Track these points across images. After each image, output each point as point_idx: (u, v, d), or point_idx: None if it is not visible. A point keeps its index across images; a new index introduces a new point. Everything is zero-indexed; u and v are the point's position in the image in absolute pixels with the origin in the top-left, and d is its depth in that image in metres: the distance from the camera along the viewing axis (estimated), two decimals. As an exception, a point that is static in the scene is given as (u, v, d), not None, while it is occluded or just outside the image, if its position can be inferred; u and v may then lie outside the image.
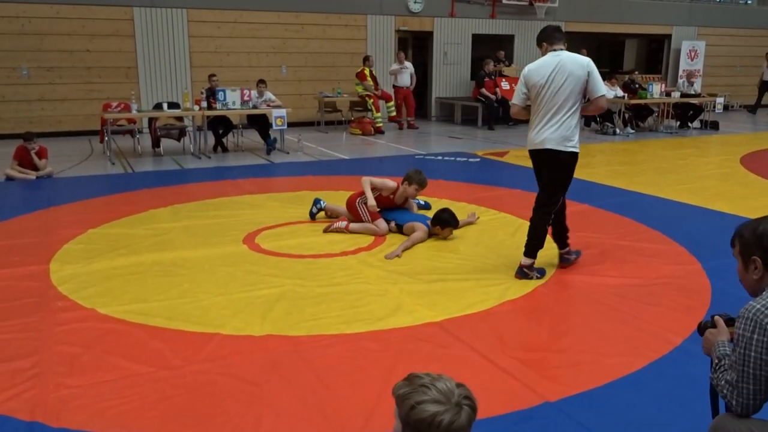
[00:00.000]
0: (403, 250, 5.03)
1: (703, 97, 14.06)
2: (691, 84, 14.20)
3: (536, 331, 3.62)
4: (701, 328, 2.19)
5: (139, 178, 8.26)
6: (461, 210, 6.05)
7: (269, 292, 4.18)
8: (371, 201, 5.52)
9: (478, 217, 5.95)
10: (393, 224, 5.53)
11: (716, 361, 2.04)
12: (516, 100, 4.45)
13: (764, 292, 1.93)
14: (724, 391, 1.94)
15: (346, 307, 3.94)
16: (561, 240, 4.69)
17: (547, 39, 4.39)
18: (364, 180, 5.66)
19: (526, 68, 4.41)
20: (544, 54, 4.41)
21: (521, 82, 4.42)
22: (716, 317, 2.16)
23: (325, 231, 5.60)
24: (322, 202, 6.10)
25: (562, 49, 4.37)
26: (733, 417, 1.93)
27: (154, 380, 3.05)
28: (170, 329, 3.62)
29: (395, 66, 13.45)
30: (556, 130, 4.27)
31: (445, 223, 5.35)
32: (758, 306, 1.86)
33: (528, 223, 4.54)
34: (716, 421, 2.01)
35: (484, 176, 8.23)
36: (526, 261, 4.48)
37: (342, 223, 5.61)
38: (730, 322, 2.13)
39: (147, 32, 12.39)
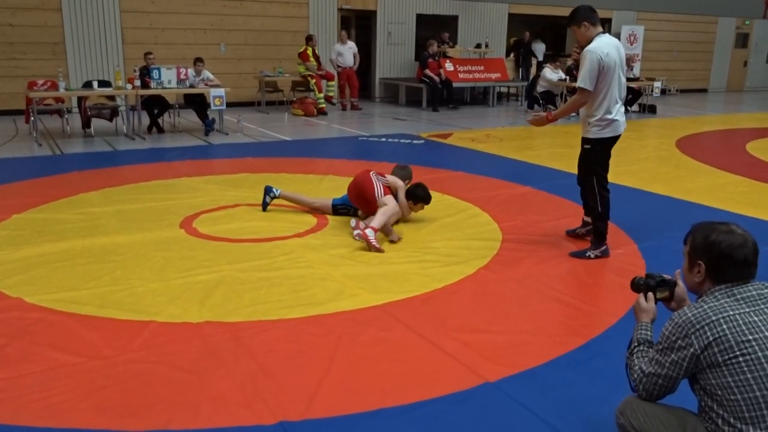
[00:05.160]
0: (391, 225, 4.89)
1: (642, 81, 14.46)
2: (631, 68, 14.57)
3: (477, 313, 3.65)
4: (634, 285, 2.29)
5: (69, 160, 7.90)
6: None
7: (207, 278, 4.06)
8: (403, 202, 5.19)
9: None
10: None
11: (635, 343, 2.15)
12: (590, 85, 4.16)
13: (700, 300, 2.00)
14: (635, 376, 2.06)
15: (286, 292, 3.88)
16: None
17: (591, 19, 4.24)
18: (400, 193, 5.17)
19: (598, 51, 4.12)
20: (584, 33, 4.24)
21: (595, 67, 4.11)
22: (648, 281, 2.25)
23: (362, 239, 4.70)
24: (275, 191, 5.57)
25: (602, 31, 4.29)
26: (641, 400, 2.07)
27: (85, 371, 2.93)
28: (102, 317, 3.48)
29: (333, 55, 13.26)
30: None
31: (420, 199, 5.25)
32: (689, 314, 1.93)
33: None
34: (625, 402, 2.12)
35: (427, 158, 8.23)
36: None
37: (371, 232, 4.65)
38: (663, 283, 2.25)
39: (75, 6, 11.80)
